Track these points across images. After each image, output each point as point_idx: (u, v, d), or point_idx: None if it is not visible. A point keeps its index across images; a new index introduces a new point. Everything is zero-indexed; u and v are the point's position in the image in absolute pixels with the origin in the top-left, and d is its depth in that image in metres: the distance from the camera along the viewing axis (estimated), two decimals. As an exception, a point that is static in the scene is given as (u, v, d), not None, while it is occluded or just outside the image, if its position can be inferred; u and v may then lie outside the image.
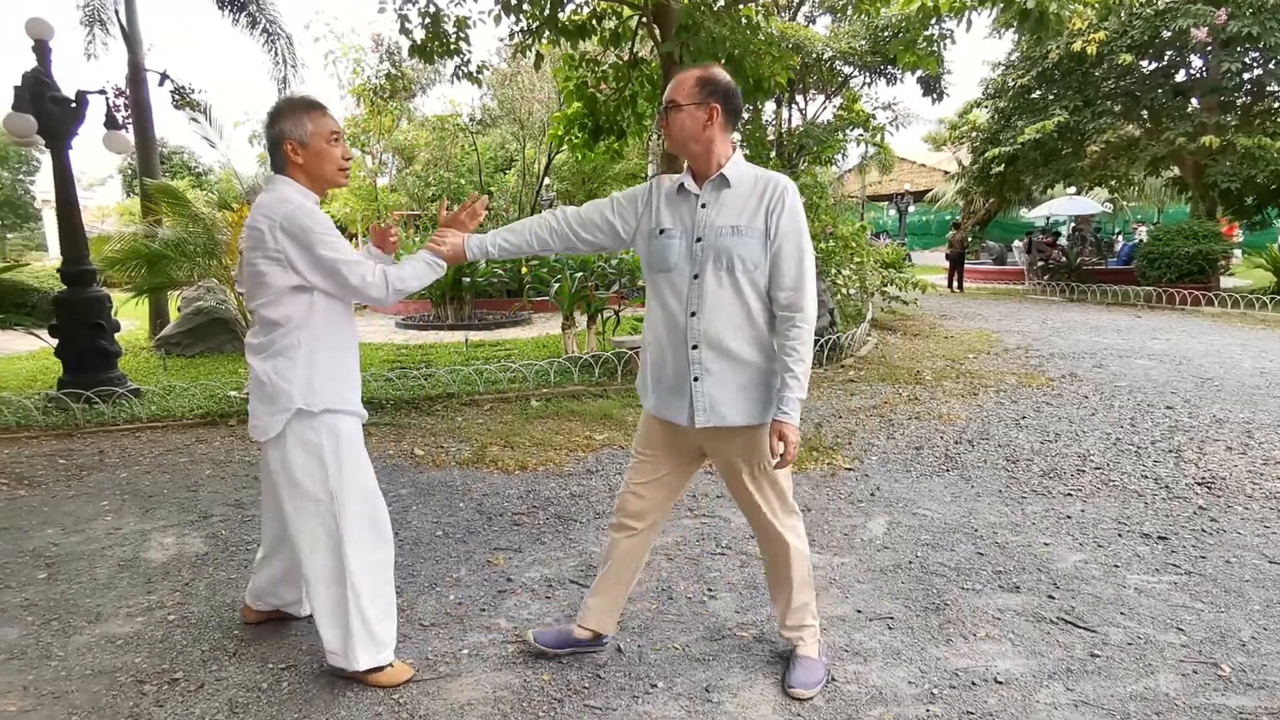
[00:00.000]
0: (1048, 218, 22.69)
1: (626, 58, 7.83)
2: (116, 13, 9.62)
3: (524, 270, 11.03)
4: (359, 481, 2.12)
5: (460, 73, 7.82)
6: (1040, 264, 17.10)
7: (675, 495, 2.25)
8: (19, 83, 5.46)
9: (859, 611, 2.58)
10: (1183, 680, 2.14)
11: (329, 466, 2.05)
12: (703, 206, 1.98)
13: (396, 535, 3.26)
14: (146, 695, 2.15)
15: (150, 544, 3.28)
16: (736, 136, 1.99)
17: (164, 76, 9.04)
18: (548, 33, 7.29)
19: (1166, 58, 14.06)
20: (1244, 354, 7.61)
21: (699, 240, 1.96)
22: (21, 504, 3.82)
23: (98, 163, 50.39)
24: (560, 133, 8.24)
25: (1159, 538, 3.15)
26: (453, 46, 7.37)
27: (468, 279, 11.05)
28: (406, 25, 7.05)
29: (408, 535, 3.31)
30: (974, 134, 18.05)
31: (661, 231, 2.02)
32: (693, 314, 1.97)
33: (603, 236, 2.13)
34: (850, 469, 4.17)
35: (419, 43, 7.18)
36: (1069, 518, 3.39)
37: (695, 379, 1.99)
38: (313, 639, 2.43)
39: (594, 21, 7.40)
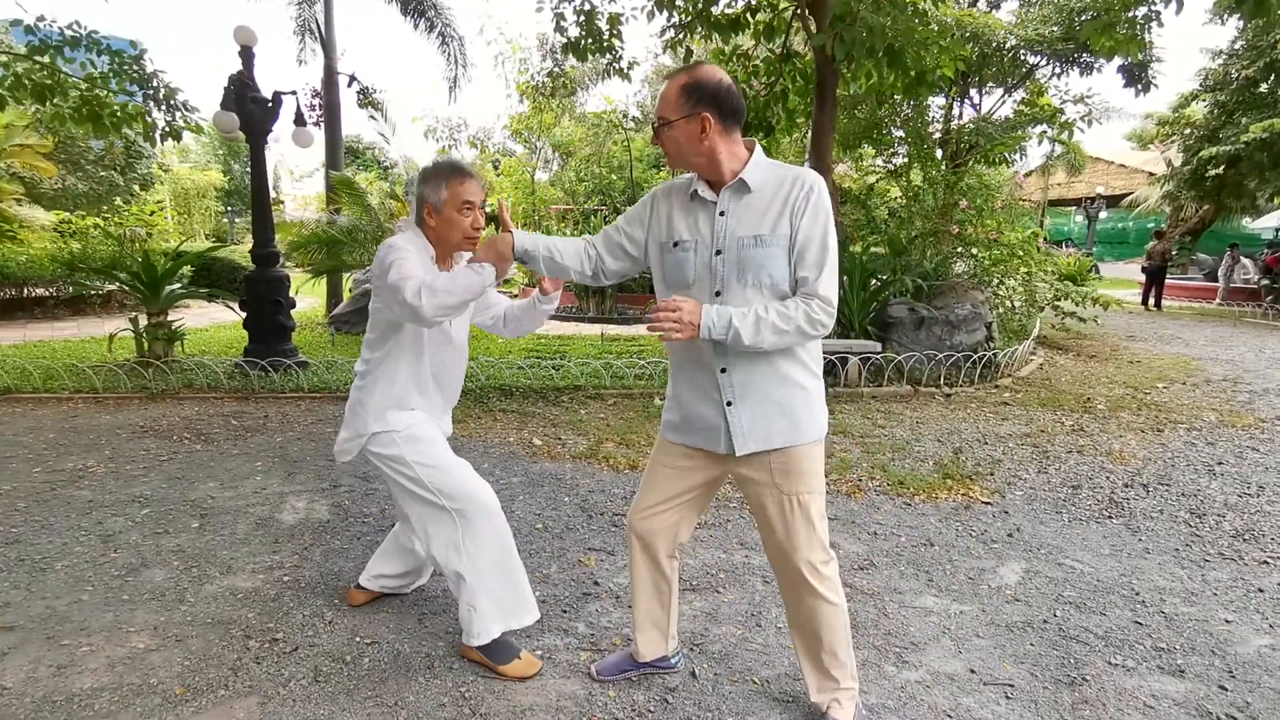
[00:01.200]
0: (1276, 230, 19.40)
1: (779, 52, 7.57)
2: (316, 21, 10.71)
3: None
4: (453, 482, 2.19)
5: (613, 69, 7.92)
6: (1265, 283, 14.62)
7: (686, 525, 2.06)
8: (227, 84, 6.20)
9: (973, 671, 2.26)
10: None
11: (417, 473, 2.17)
12: (721, 215, 1.78)
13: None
14: (249, 651, 2.31)
15: (285, 506, 3.57)
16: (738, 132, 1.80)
17: (352, 78, 9.95)
18: (700, 28, 7.21)
19: None
20: None
21: (719, 253, 1.77)
22: (195, 458, 4.31)
23: (308, 156, 57.05)
24: (706, 129, 8.10)
25: (1389, 633, 2.51)
26: (606, 43, 7.48)
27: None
28: (562, 23, 7.24)
29: (510, 526, 3.35)
30: (1187, 130, 15.78)
31: (676, 244, 1.84)
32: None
33: (623, 260, 1.98)
34: (989, 503, 3.73)
35: (573, 40, 7.35)
36: (1262, 591, 2.80)
37: (729, 404, 1.81)
38: (400, 619, 2.51)
39: (747, 15, 7.21)
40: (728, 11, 7.22)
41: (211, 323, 10.43)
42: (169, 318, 6.97)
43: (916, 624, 2.55)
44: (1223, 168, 13.67)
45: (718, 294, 1.78)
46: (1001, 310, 8.58)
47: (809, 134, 7.49)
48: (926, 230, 7.94)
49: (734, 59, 7.88)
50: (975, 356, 6.71)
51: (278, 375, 6.22)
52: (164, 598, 2.65)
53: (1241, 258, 17.02)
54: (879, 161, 11.83)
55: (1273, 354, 8.85)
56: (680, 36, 7.30)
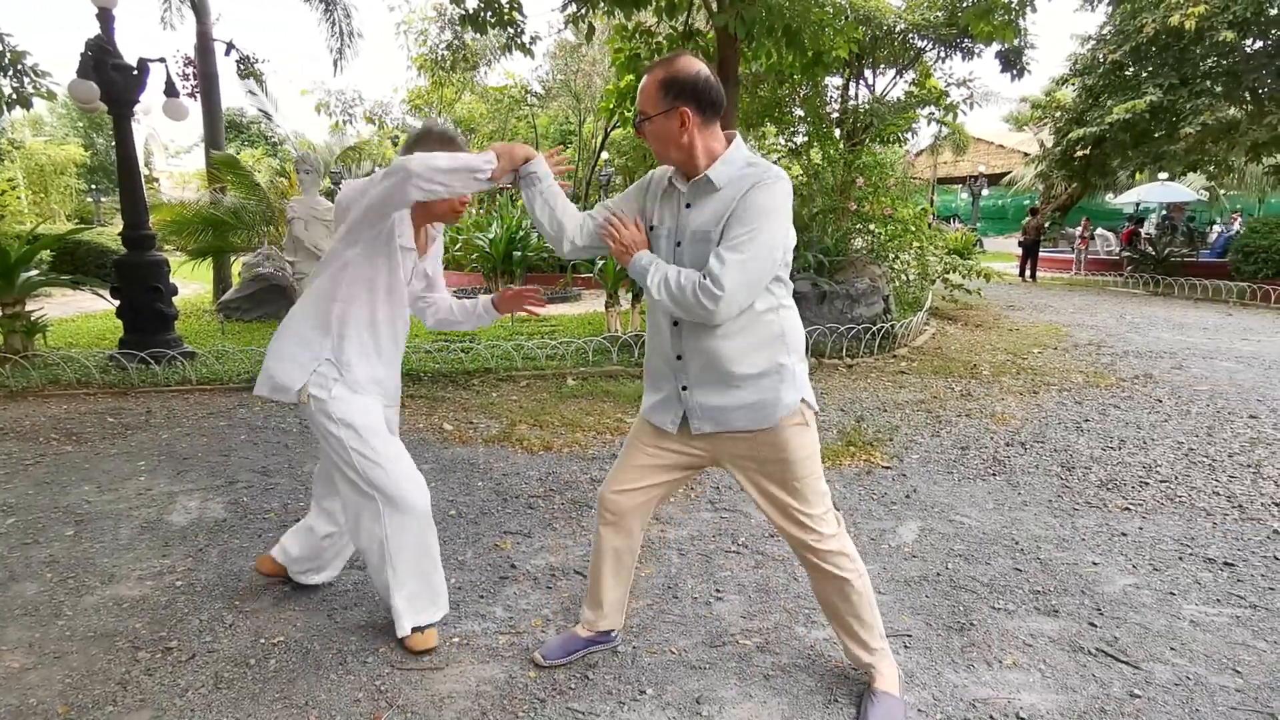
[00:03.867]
0: (1137, 204, 21.24)
1: (681, 29, 7.58)
2: (186, -18, 9.87)
3: (574, 246, 10.96)
4: (388, 478, 2.14)
5: (514, 44, 7.72)
6: (1125, 254, 16.02)
7: (655, 503, 2.10)
8: (84, 50, 5.63)
9: (875, 626, 2.40)
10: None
11: (352, 459, 2.12)
12: (686, 206, 1.81)
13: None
14: (139, 663, 2.16)
15: (175, 507, 3.34)
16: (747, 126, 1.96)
17: (230, 46, 9.25)
18: (602, 3, 7.12)
19: (1273, 36, 12.83)
20: (1347, 360, 6.92)
21: (678, 244, 1.82)
22: (66, 460, 3.96)
23: (184, 130, 52.75)
24: (611, 106, 8.06)
25: (1224, 564, 2.84)
26: (506, 16, 7.27)
27: (519, 253, 11.07)
28: (459, -6, 6.98)
29: (421, 513, 3.28)
30: (1058, 113, 16.98)
31: (651, 228, 1.89)
32: (675, 323, 1.84)
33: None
34: (888, 467, 3.94)
35: (471, 12, 7.10)
36: (1124, 535, 3.10)
37: (684, 388, 1.88)
38: (309, 616, 2.42)
39: (649, -10, 7.16)
40: (629, -13, 7.15)
41: (79, 312, 9.57)
42: (27, 308, 6.34)
43: (823, 585, 2.67)
44: (1089, 148, 14.81)
45: None
46: (897, 284, 9.02)
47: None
48: (827, 207, 8.21)
49: (637, 35, 7.84)
50: (874, 328, 7.04)
51: (160, 367, 5.79)
52: (38, 612, 2.44)
53: (1100, 231, 18.54)
54: (780, 140, 12.12)
55: (1132, 320, 9.74)
56: (582, 11, 7.18)
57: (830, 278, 7.33)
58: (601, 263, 7.92)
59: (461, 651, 2.23)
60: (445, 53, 13.91)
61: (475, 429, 4.57)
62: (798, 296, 7.36)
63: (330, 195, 17.53)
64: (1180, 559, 2.89)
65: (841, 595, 1.94)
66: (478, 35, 8.23)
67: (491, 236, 11.19)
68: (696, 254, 1.77)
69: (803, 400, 1.85)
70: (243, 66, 9.07)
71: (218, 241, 7.98)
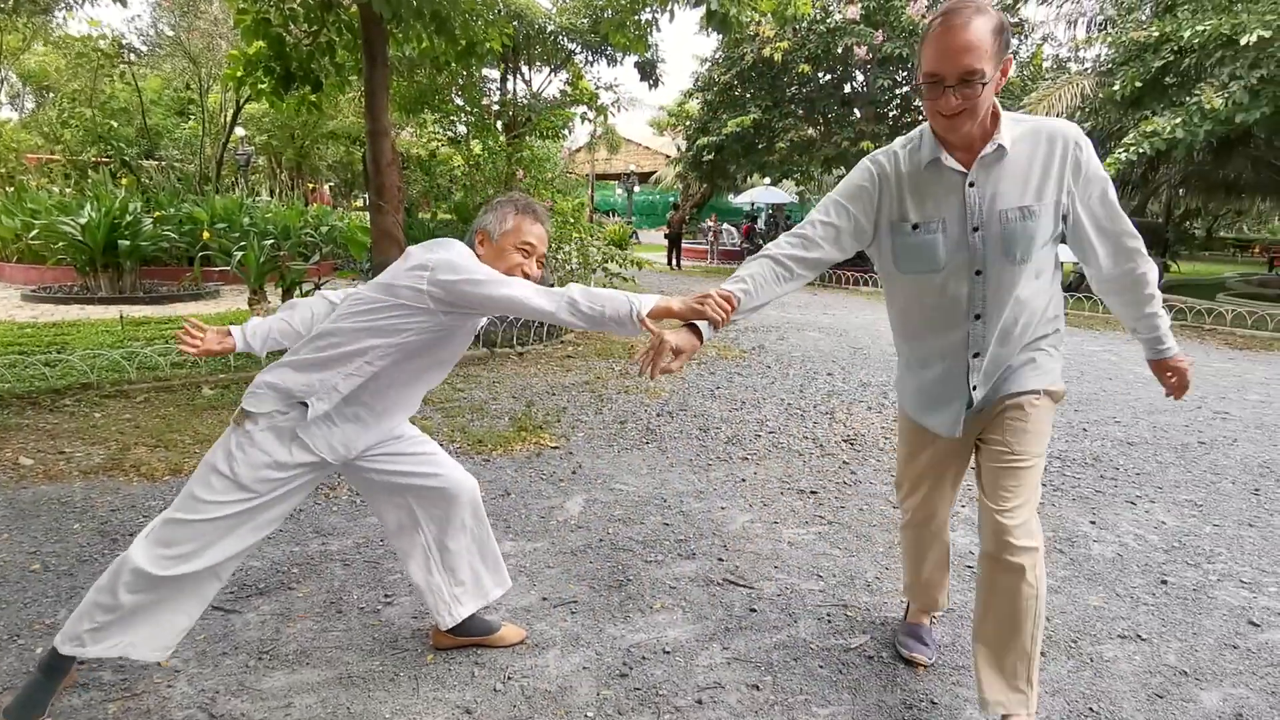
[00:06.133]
0: (751, 204, 25.46)
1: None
2: None
3: (205, 234, 9.43)
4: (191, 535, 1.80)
5: (97, -15, 6.31)
6: (746, 246, 19.10)
7: (955, 492, 2.12)
8: None
9: (544, 599, 2.53)
10: (818, 624, 2.42)
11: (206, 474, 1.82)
12: (971, 186, 1.67)
13: (-38, 578, 2.53)
14: None
15: None
16: None
17: None
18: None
19: (838, 71, 16.38)
20: (886, 326, 9.18)
21: (976, 230, 1.68)
22: None
23: None
24: (238, 74, 7.08)
25: (810, 492, 3.58)
26: (81, -50, 5.90)
27: (127, 241, 9.13)
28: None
29: None
30: (688, 122, 19.44)
31: (915, 227, 1.73)
32: (977, 317, 1.74)
33: (839, 249, 1.84)
34: (555, 447, 4.16)
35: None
36: (744, 481, 3.72)
37: (974, 387, 1.81)
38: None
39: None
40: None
41: None
42: None
43: (496, 569, 2.72)
44: (712, 154, 17.29)
45: (979, 273, 1.71)
46: (562, 273, 9.50)
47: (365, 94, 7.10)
48: (490, 199, 8.30)
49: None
50: (541, 316, 7.32)
51: None
52: None
53: (727, 226, 21.90)
54: (439, 129, 11.89)
55: (750, 300, 11.65)
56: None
57: (497, 268, 7.44)
58: (240, 254, 6.95)
59: (52, 736, 1.80)
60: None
61: (69, 460, 3.69)
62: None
63: None
64: (781, 493, 3.56)
65: (1035, 606, 1.72)
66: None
67: (85, 221, 9.06)
68: (1009, 234, 1.65)
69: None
70: None
71: None
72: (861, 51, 14.58)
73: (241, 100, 13.31)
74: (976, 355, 1.77)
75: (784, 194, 24.32)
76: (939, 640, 2.29)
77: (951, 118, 1.57)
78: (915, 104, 16.58)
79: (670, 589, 2.62)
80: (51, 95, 17.31)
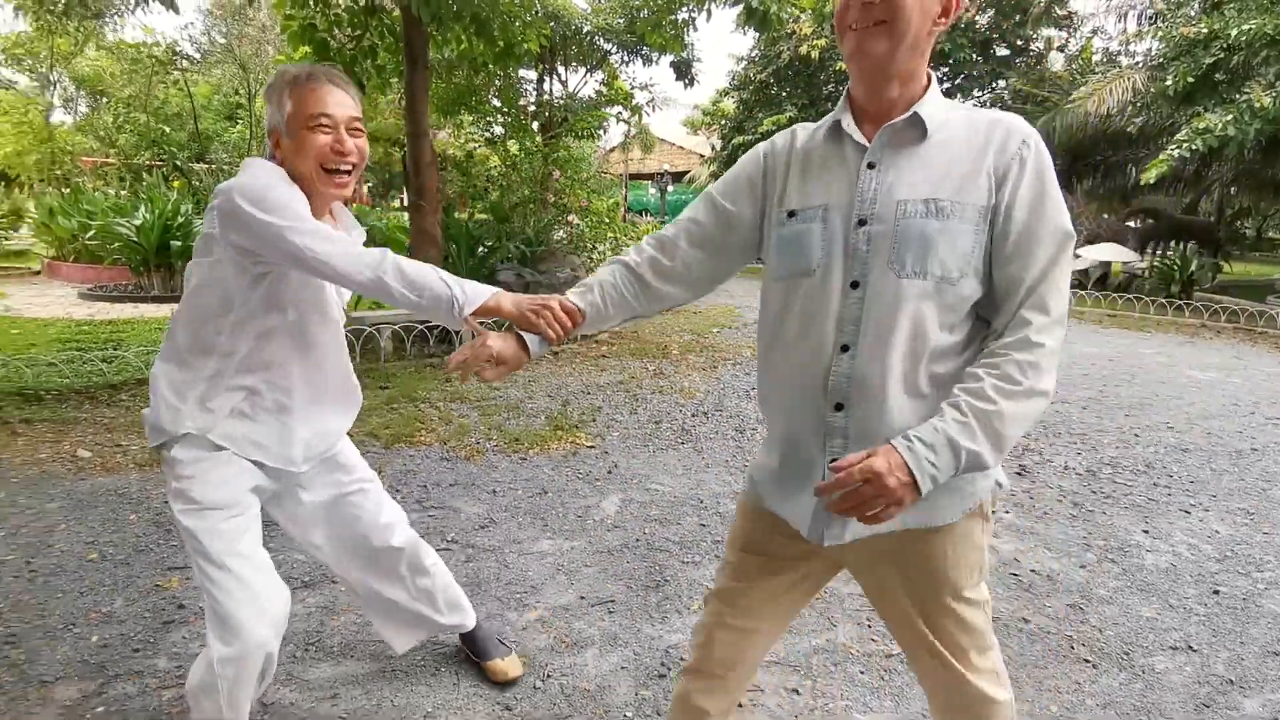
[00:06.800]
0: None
1: (363, 3, 7.08)
2: None
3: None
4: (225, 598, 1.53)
5: (150, -7, 6.52)
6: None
7: (775, 636, 1.47)
8: None
9: (582, 598, 2.54)
10: (858, 629, 2.38)
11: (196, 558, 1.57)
12: (870, 166, 1.19)
13: (29, 565, 2.64)
14: None
15: None
16: None
17: None
18: (265, -40, 6.36)
19: (875, 68, 16.17)
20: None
21: (862, 223, 1.18)
22: None
23: None
24: (285, 79, 7.24)
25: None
26: (138, -40, 6.11)
27: (179, 242, 9.44)
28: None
29: (44, 564, 2.65)
30: (723, 121, 19.38)
31: (791, 215, 1.26)
32: (844, 349, 1.17)
33: (710, 256, 1.40)
34: (591, 446, 4.17)
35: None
36: (781, 482, 3.68)
37: (831, 459, 1.18)
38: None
39: (322, -46, 6.57)
40: (298, -53, 6.47)
41: None
42: None
43: (535, 568, 2.75)
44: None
45: (854, 285, 1.17)
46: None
47: (405, 96, 7.22)
48: (527, 199, 8.36)
49: (311, 3, 7.13)
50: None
51: None
52: None
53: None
54: (477, 130, 12.03)
55: (785, 300, 11.56)
56: (241, -33, 6.33)
57: (534, 268, 7.50)
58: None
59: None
60: (55, -7, 11.23)
61: (125, 452, 3.82)
62: (501, 287, 7.43)
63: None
64: (820, 496, 3.51)
65: None
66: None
67: (139, 223, 9.38)
68: (904, 234, 1.14)
69: (996, 482, 1.25)
70: None
71: None
72: (901, 48, 14.38)
73: (286, 104, 13.63)
74: (840, 408, 1.18)
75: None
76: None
77: (863, 40, 1.14)
78: (956, 99, 16.31)
79: (707, 590, 2.60)
80: (105, 100, 17.93)
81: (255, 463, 1.60)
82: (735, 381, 5.85)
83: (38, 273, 11.47)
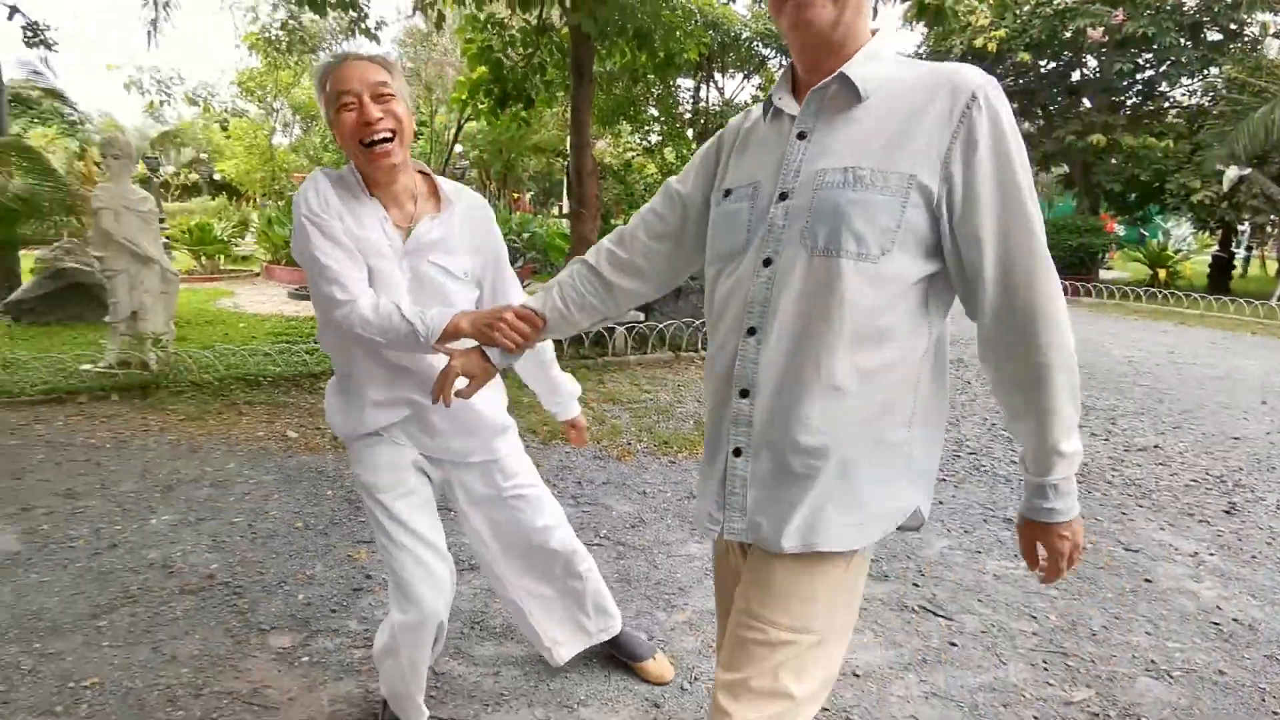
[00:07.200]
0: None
1: (535, 23, 7.52)
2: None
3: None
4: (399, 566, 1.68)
5: (357, 28, 7.31)
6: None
7: None
8: None
9: (730, 604, 2.53)
10: (1031, 670, 2.19)
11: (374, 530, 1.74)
12: (800, 137, 1.09)
13: (251, 528, 3.04)
14: (-89, 724, 1.87)
15: (-46, 541, 2.89)
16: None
17: (13, 10, 8.06)
18: (451, -9, 6.92)
19: (1064, 58, 14.76)
20: (1115, 343, 8.11)
21: (784, 197, 1.07)
22: None
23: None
24: (464, 97, 7.86)
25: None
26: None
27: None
28: (293, -29, 6.50)
29: (263, 528, 3.06)
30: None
31: (727, 194, 1.19)
32: (750, 331, 1.08)
33: (670, 249, 1.34)
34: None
35: (309, -9, 6.63)
36: (941, 503, 3.47)
37: (735, 452, 1.11)
38: (129, 651, 2.19)
39: (501, -18, 7.06)
40: (481, -24, 7.00)
41: None
42: None
43: (683, 570, 2.78)
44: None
45: (767, 263, 1.07)
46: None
47: (569, 108, 7.59)
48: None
49: (489, 26, 7.69)
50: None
51: (-70, 381, 4.96)
52: None
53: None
54: (635, 139, 12.35)
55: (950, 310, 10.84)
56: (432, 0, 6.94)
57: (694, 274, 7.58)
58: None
59: (313, 671, 2.11)
60: (280, 33, 12.92)
61: (323, 434, 4.31)
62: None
63: (145, 183, 15.75)
64: (985, 521, 3.27)
65: None
66: (317, 17, 7.71)
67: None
68: (820, 206, 1.03)
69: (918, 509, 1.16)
70: (30, 34, 7.93)
71: (4, 231, 6.95)
72: (1096, 33, 13.02)
73: (463, 120, 14.77)
74: (745, 395, 1.09)
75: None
76: (1177, 703, 1.99)
77: (803, 10, 1.02)
78: (1160, 88, 14.51)
79: (862, 610, 2.50)
80: (315, 123, 20.31)
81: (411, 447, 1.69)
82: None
83: (258, 274, 13.20)
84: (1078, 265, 13.72)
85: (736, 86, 14.16)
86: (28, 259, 8.72)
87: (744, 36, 12.27)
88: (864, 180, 1.01)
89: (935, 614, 2.49)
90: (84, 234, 6.96)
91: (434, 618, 1.65)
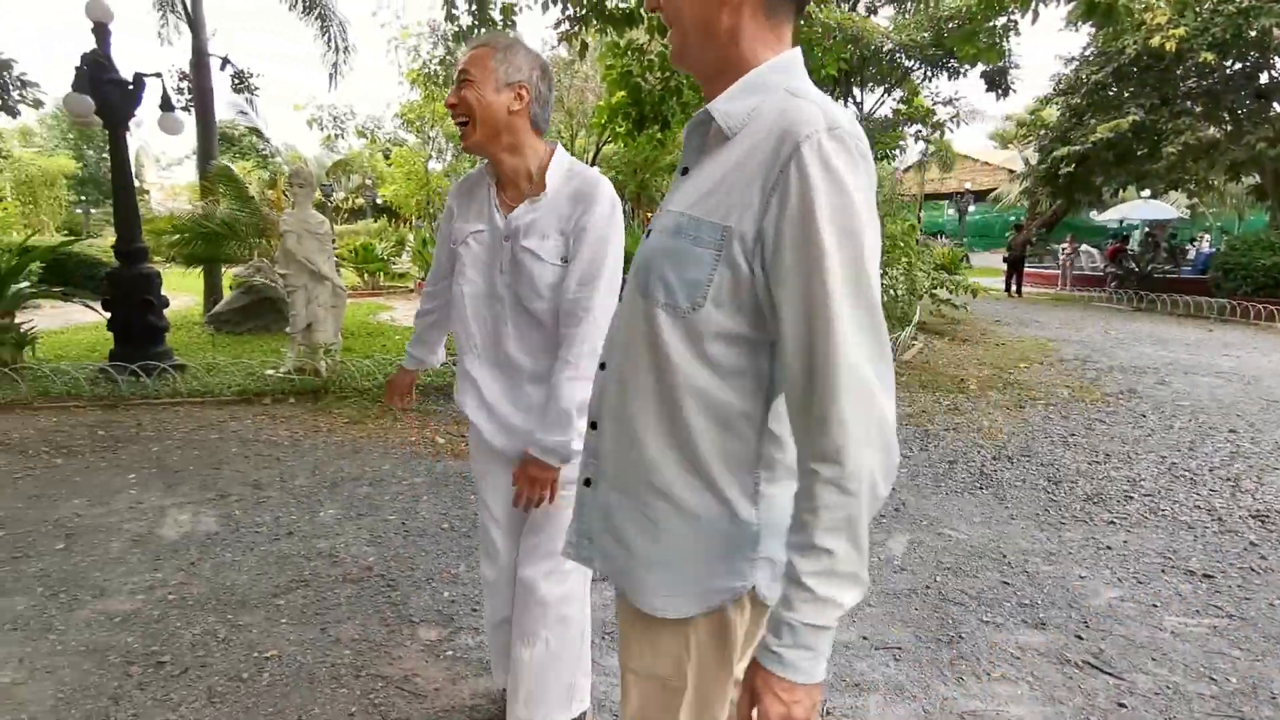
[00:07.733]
0: (1120, 221, 21.57)
1: (674, 47, 7.69)
2: (182, -3, 9.91)
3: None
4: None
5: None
6: (1110, 270, 16.26)
7: None
8: (79, 64, 5.65)
9: (864, 638, 2.43)
10: None
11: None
12: (683, 173, 1.05)
13: (404, 526, 3.28)
14: (131, 677, 2.16)
15: (166, 520, 3.33)
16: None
17: (225, 61, 9.28)
18: (595, 21, 7.22)
19: (1250, 59, 13.14)
20: (1326, 376, 7.05)
21: (649, 235, 1.08)
22: (56, 473, 3.94)
23: (175, 142, 52.78)
24: (603, 121, 8.15)
25: (1204, 575, 2.89)
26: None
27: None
28: (453, 10, 7.06)
29: (414, 526, 3.29)
30: (1041, 132, 17.25)
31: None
32: (602, 365, 1.14)
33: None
34: (877, 481, 3.98)
35: (466, 29, 7.18)
36: (1110, 549, 3.15)
37: (585, 480, 1.10)
38: (302, 629, 2.42)
39: (641, 10, 7.28)
40: (622, 6, 7.27)
41: (67, 324, 9.50)
42: (16, 320, 6.30)
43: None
44: (1073, 166, 15.06)
45: (621, 298, 1.08)
46: (886, 299, 9.12)
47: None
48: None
49: (629, 52, 7.94)
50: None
51: (150, 380, 5.77)
52: (28, 627, 2.43)
53: (1085, 247, 18.84)
54: (771, 157, 12.30)
55: (1116, 335, 9.87)
56: (576, 29, 7.28)
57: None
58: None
59: (456, 665, 2.24)
60: (438, 68, 14.03)
61: (468, 442, 4.58)
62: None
63: (320, 208, 17.51)
64: (1163, 571, 2.94)
65: None
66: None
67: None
68: (645, 258, 0.98)
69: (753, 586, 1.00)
70: (238, 81, 9.11)
71: (210, 251, 7.98)
72: (1291, 30, 11.50)
73: (601, 142, 15.31)
74: (594, 426, 1.08)
75: (1168, 208, 20.09)
76: None
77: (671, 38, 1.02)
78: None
79: (1013, 658, 2.33)
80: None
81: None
82: (1048, 425, 5.16)
83: (412, 290, 14.28)
84: (1272, 287, 12.05)
85: (876, 101, 13.73)
86: (227, 277, 9.95)
87: (885, 49, 11.91)
88: (681, 229, 0.94)
89: (1102, 671, 2.26)
90: (271, 254, 7.85)
91: (489, 586, 1.92)
